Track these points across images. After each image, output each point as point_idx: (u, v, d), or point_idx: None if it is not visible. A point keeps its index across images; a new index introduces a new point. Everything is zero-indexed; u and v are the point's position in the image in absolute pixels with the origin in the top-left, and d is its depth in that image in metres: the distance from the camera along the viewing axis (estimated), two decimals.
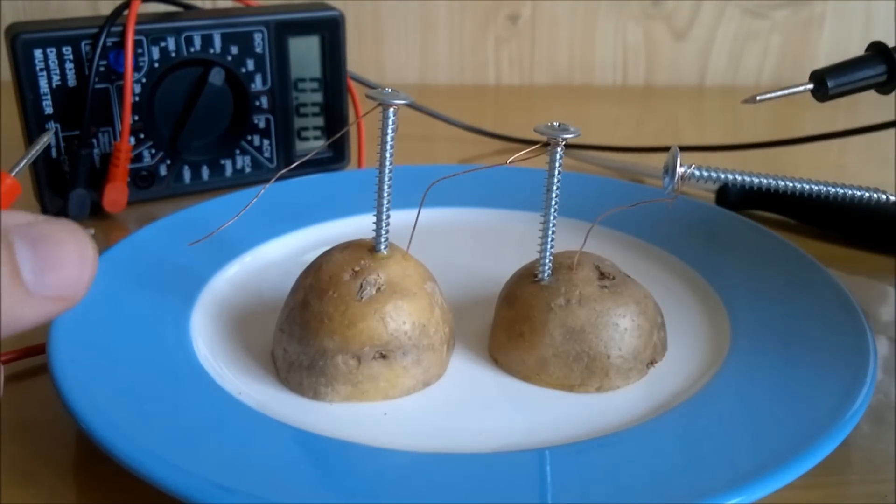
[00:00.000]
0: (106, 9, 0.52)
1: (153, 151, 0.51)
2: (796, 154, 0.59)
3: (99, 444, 0.28)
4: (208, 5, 0.57)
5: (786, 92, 0.34)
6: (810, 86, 0.34)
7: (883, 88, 0.35)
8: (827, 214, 0.48)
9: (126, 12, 0.47)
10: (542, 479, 0.28)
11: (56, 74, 0.47)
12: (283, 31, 0.51)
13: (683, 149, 0.31)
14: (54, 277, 0.21)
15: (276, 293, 0.37)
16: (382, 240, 0.33)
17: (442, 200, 0.44)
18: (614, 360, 0.33)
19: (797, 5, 0.78)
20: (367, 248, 0.33)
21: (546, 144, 0.33)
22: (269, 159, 0.54)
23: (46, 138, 0.32)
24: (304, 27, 0.52)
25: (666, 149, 0.32)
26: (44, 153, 0.48)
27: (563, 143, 0.32)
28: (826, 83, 0.34)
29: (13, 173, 0.29)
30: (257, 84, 0.52)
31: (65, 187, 0.48)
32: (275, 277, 0.40)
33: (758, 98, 0.33)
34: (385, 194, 0.33)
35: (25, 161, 0.31)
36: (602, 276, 0.34)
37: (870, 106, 0.75)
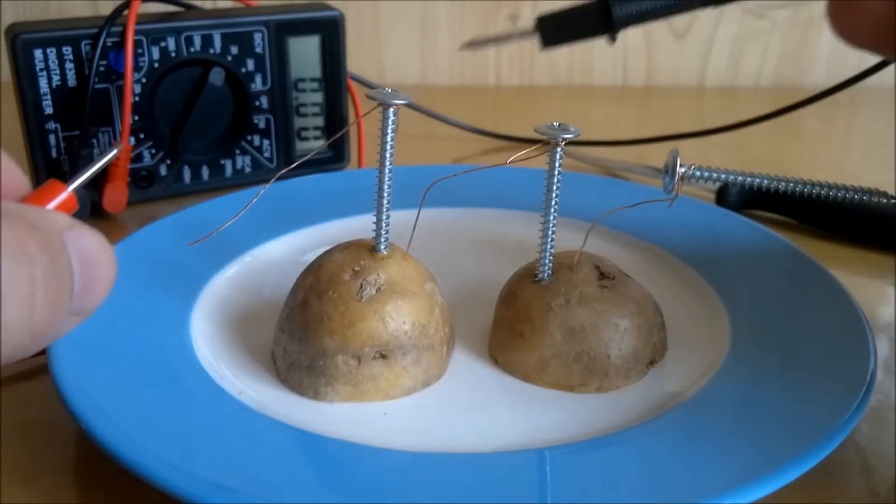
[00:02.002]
0: (106, 9, 0.52)
1: (153, 151, 0.51)
2: (796, 154, 0.59)
3: (99, 444, 0.28)
4: (208, 5, 0.57)
5: (506, 33, 0.34)
6: (528, 32, 0.34)
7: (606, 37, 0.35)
8: (827, 214, 0.48)
9: (126, 12, 0.47)
10: (542, 479, 0.28)
11: (56, 74, 0.47)
12: (282, 31, 0.51)
13: (682, 136, 0.31)
14: (89, 298, 0.21)
15: (276, 293, 0.37)
16: (382, 240, 0.33)
17: (442, 200, 0.44)
18: (614, 360, 0.33)
19: (797, 5, 0.78)
20: (367, 248, 0.33)
21: (546, 144, 0.33)
22: (269, 159, 0.54)
23: (115, 151, 0.31)
24: (304, 27, 0.52)
25: (667, 139, 0.32)
26: (43, 153, 0.48)
27: (563, 143, 0.32)
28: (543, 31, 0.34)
29: (72, 187, 0.29)
30: (257, 84, 0.52)
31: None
32: (275, 277, 0.40)
33: (472, 43, 0.33)
34: (385, 194, 0.33)
35: (88, 174, 0.30)
36: (602, 276, 0.34)
37: (871, 107, 0.75)
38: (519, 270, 0.36)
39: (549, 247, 0.34)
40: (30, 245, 0.19)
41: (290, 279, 0.34)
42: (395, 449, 0.29)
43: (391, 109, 0.32)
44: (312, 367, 0.32)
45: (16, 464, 0.31)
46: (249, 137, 0.53)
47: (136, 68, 0.48)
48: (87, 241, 0.21)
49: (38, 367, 0.36)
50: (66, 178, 0.48)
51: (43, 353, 0.33)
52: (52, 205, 0.29)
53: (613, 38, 0.34)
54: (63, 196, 0.29)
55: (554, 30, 0.34)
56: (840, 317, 0.35)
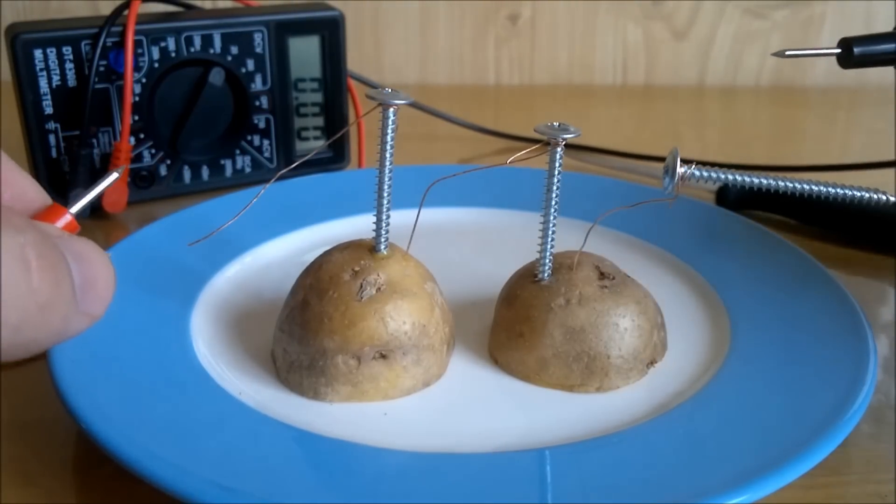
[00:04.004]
0: (106, 9, 0.52)
1: (153, 151, 0.51)
2: (796, 155, 0.59)
3: (99, 444, 0.28)
4: (208, 5, 0.57)
5: (814, 52, 0.35)
6: (837, 50, 0.35)
7: None
8: (827, 215, 0.48)
9: (126, 12, 0.47)
10: (542, 479, 0.28)
11: (56, 74, 0.47)
12: (283, 31, 0.51)
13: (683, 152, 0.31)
14: (93, 295, 0.23)
15: (276, 293, 0.37)
16: (382, 240, 0.33)
17: (442, 200, 0.44)
18: (614, 360, 0.33)
19: (797, 5, 0.78)
20: (367, 248, 0.33)
21: (546, 144, 0.33)
22: (269, 159, 0.54)
23: (115, 176, 0.31)
24: (304, 27, 0.52)
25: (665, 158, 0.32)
26: (43, 153, 0.48)
27: (563, 143, 0.32)
28: (853, 50, 0.35)
29: (73, 210, 0.30)
30: (257, 84, 0.52)
31: (65, 187, 0.48)
32: (275, 277, 0.40)
33: (786, 53, 0.34)
34: (385, 194, 0.33)
35: (88, 198, 0.31)
36: (602, 276, 0.34)
37: (871, 107, 0.75)
38: (519, 270, 0.36)
39: (549, 247, 0.34)
40: (15, 221, 0.20)
41: (290, 279, 0.34)
42: (395, 449, 0.29)
43: (391, 109, 0.32)
44: (312, 367, 0.32)
45: (16, 464, 0.31)
46: (249, 137, 0.53)
47: (136, 68, 0.48)
48: (79, 244, 0.23)
49: (38, 367, 0.36)
50: (66, 178, 0.48)
51: (43, 353, 0.33)
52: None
53: None
54: (65, 219, 0.30)
55: (858, 52, 0.35)
56: (840, 317, 0.35)
